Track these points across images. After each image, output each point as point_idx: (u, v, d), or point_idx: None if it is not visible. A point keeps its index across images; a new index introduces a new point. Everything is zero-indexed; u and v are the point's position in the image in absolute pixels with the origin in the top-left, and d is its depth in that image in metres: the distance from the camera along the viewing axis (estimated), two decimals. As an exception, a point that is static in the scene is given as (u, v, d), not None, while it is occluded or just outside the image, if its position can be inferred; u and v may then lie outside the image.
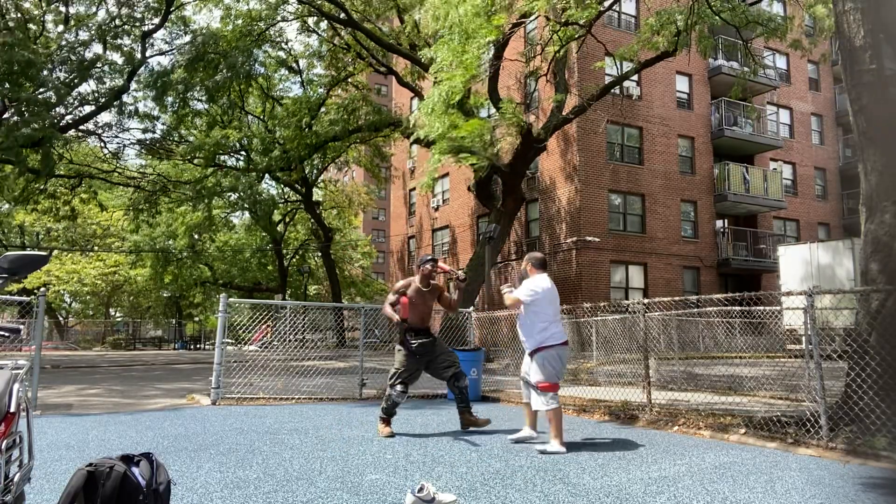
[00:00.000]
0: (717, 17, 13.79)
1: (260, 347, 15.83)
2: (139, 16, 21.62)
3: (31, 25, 20.90)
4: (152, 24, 21.50)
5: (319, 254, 37.82)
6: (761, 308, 10.37)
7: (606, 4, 15.50)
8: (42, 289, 8.78)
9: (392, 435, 5.93)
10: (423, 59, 14.11)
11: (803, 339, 9.61)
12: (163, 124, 24.53)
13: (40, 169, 18.77)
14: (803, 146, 30.35)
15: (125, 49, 21.56)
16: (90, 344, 41.81)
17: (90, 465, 2.61)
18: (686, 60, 22.18)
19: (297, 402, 8.60)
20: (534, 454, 5.10)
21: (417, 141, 17.42)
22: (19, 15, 20.45)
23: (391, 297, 6.44)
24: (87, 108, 21.87)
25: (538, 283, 5.56)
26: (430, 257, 6.61)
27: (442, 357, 6.39)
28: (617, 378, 10.45)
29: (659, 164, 25.03)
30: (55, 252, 39.15)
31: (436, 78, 10.55)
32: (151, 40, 22.04)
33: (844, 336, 5.84)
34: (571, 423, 6.82)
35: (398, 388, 6.11)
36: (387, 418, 6.12)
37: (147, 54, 21.65)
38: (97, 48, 21.39)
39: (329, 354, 19.57)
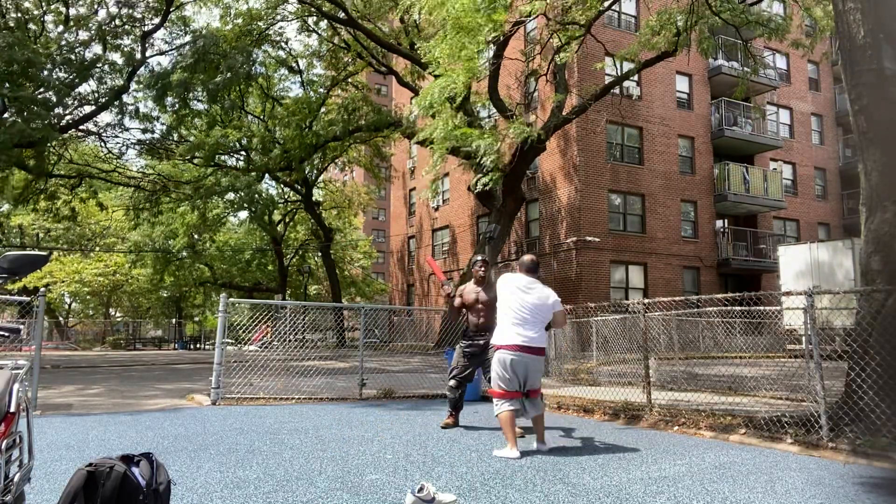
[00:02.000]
0: (717, 18, 13.80)
1: (260, 347, 15.83)
2: (139, 16, 21.63)
3: (31, 25, 20.90)
4: (152, 25, 21.51)
5: (319, 254, 37.81)
6: (761, 308, 10.37)
7: (606, 4, 15.50)
8: (42, 289, 8.77)
9: (446, 426, 6.31)
10: (421, 55, 14.13)
11: (803, 339, 9.61)
12: (162, 124, 24.54)
13: (31, 168, 18.74)
14: (803, 146, 30.36)
15: (125, 49, 21.56)
16: (90, 344, 41.81)
17: (90, 465, 2.61)
18: (686, 60, 22.19)
19: (297, 402, 8.59)
20: (534, 454, 5.09)
21: (420, 142, 17.44)
22: (19, 15, 20.44)
23: (456, 301, 6.52)
24: (87, 108, 21.88)
25: (499, 283, 5.53)
26: (480, 257, 6.66)
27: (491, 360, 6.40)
28: (617, 378, 10.46)
29: (659, 164, 25.03)
30: (55, 253, 39.14)
31: (434, 73, 10.54)
32: (151, 40, 22.07)
33: (844, 336, 5.84)
34: (572, 423, 6.82)
35: (450, 382, 6.48)
36: (451, 411, 6.45)
37: (147, 54, 21.66)
38: (97, 48, 21.40)
39: (329, 354, 19.56)
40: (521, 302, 5.29)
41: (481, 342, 6.37)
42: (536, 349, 5.23)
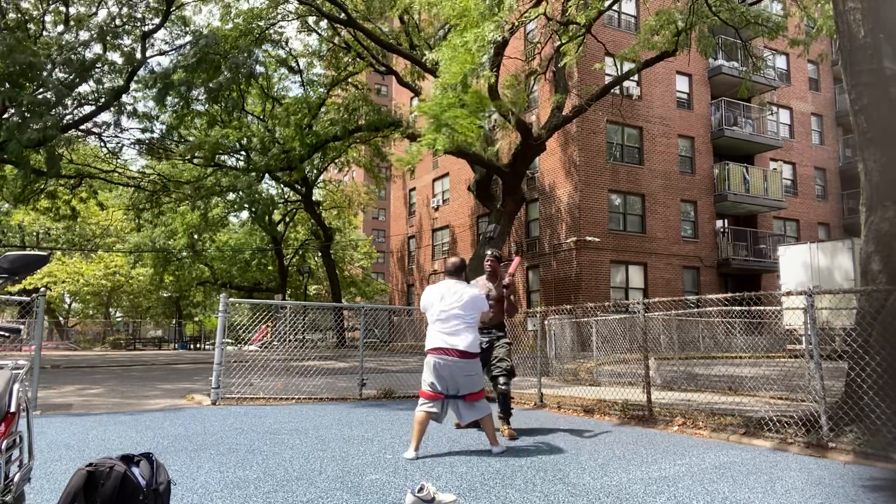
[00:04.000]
0: (716, 18, 13.80)
1: (260, 347, 15.84)
2: (139, 16, 21.61)
3: (30, 26, 20.89)
4: (152, 25, 21.48)
5: (319, 254, 37.82)
6: (761, 308, 10.37)
7: (606, 4, 15.49)
8: (42, 289, 8.77)
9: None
10: (426, 62, 14.11)
11: (803, 339, 9.61)
12: (161, 123, 24.53)
13: (44, 169, 18.76)
14: (803, 146, 30.36)
15: (125, 49, 21.53)
16: (90, 344, 41.80)
17: (90, 465, 2.61)
18: (686, 60, 22.18)
19: (297, 402, 8.60)
20: (534, 454, 5.09)
21: (412, 137, 17.40)
22: (19, 15, 20.43)
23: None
24: (87, 108, 21.87)
25: (425, 292, 5.51)
26: (490, 252, 6.59)
27: (493, 358, 6.16)
28: (617, 378, 10.46)
29: (659, 164, 25.03)
30: (56, 252, 39.16)
31: (439, 77, 10.54)
32: (151, 40, 22.02)
33: (844, 336, 5.84)
34: (572, 424, 6.83)
35: None
36: None
37: (147, 54, 21.63)
38: (97, 48, 21.37)
39: (329, 354, 19.57)
40: (443, 306, 5.26)
41: (485, 339, 6.14)
42: (461, 353, 5.13)
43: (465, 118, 10.95)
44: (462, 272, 5.58)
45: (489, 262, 6.49)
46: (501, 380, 5.99)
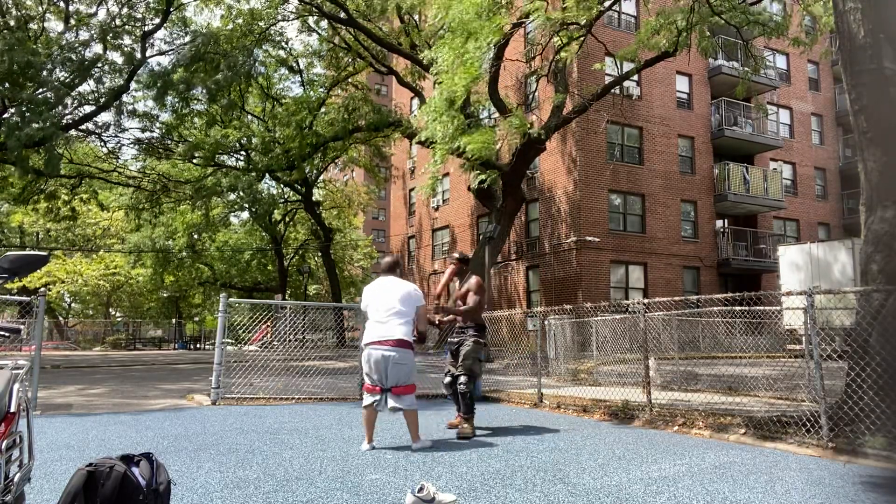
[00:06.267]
0: (717, 17, 13.79)
1: (260, 347, 15.84)
2: (139, 16, 21.63)
3: (31, 25, 20.90)
4: (153, 24, 21.50)
5: (319, 254, 37.81)
6: (761, 308, 10.36)
7: (607, 4, 15.49)
8: (42, 289, 8.77)
9: (452, 426, 6.23)
10: (423, 60, 14.12)
11: (803, 339, 9.60)
12: (161, 123, 24.53)
13: (43, 169, 18.76)
14: (803, 146, 30.36)
15: (125, 49, 21.55)
16: (90, 344, 41.80)
17: (90, 465, 2.61)
18: (686, 60, 22.18)
19: (297, 402, 8.60)
20: (534, 454, 5.09)
21: (421, 142, 17.46)
22: (20, 13, 20.45)
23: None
24: (87, 108, 21.88)
25: (364, 291, 5.69)
26: (455, 255, 6.68)
27: (460, 358, 6.31)
28: (617, 378, 10.46)
29: (659, 164, 25.03)
30: (56, 252, 39.19)
31: (437, 80, 10.58)
32: (152, 40, 22.04)
33: (844, 336, 5.84)
34: (572, 424, 6.83)
35: (445, 380, 6.41)
36: (457, 412, 6.40)
37: (147, 54, 21.64)
38: (97, 48, 21.39)
39: (329, 354, 19.56)
40: (380, 301, 5.46)
41: (455, 339, 6.39)
42: (395, 341, 5.28)
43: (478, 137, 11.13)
44: (397, 269, 5.77)
45: (452, 265, 6.58)
46: (462, 379, 6.15)
